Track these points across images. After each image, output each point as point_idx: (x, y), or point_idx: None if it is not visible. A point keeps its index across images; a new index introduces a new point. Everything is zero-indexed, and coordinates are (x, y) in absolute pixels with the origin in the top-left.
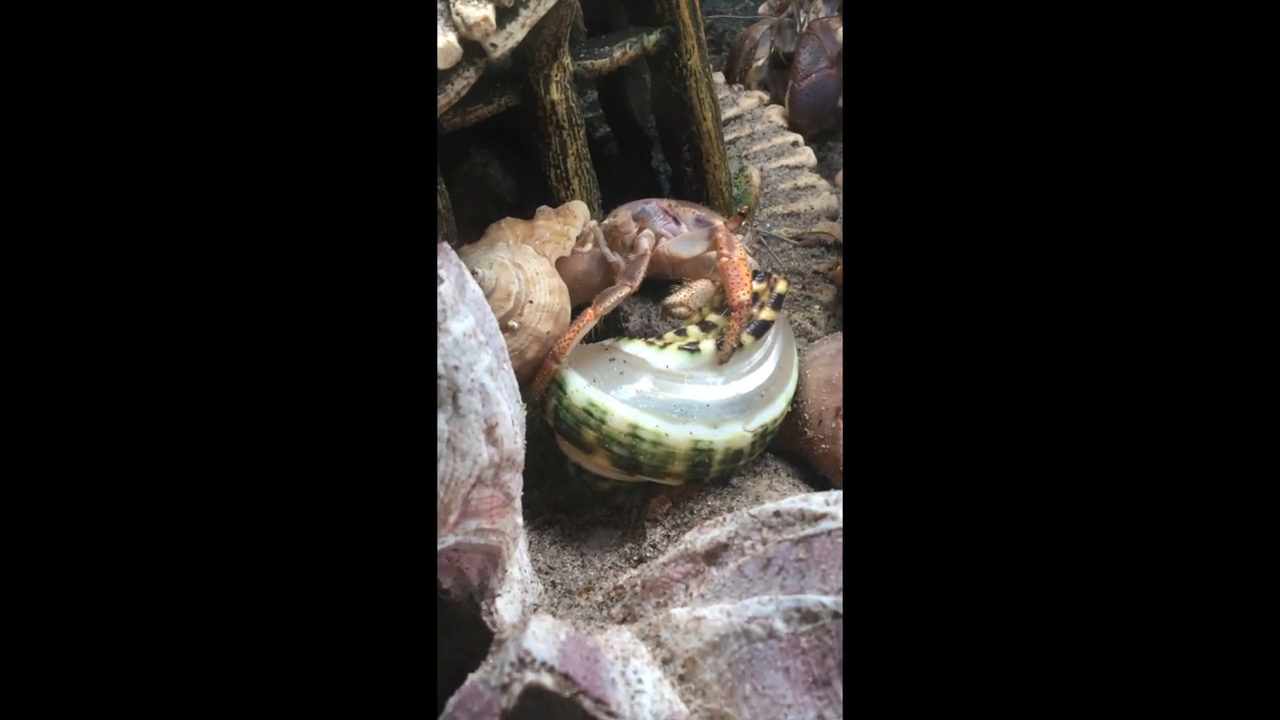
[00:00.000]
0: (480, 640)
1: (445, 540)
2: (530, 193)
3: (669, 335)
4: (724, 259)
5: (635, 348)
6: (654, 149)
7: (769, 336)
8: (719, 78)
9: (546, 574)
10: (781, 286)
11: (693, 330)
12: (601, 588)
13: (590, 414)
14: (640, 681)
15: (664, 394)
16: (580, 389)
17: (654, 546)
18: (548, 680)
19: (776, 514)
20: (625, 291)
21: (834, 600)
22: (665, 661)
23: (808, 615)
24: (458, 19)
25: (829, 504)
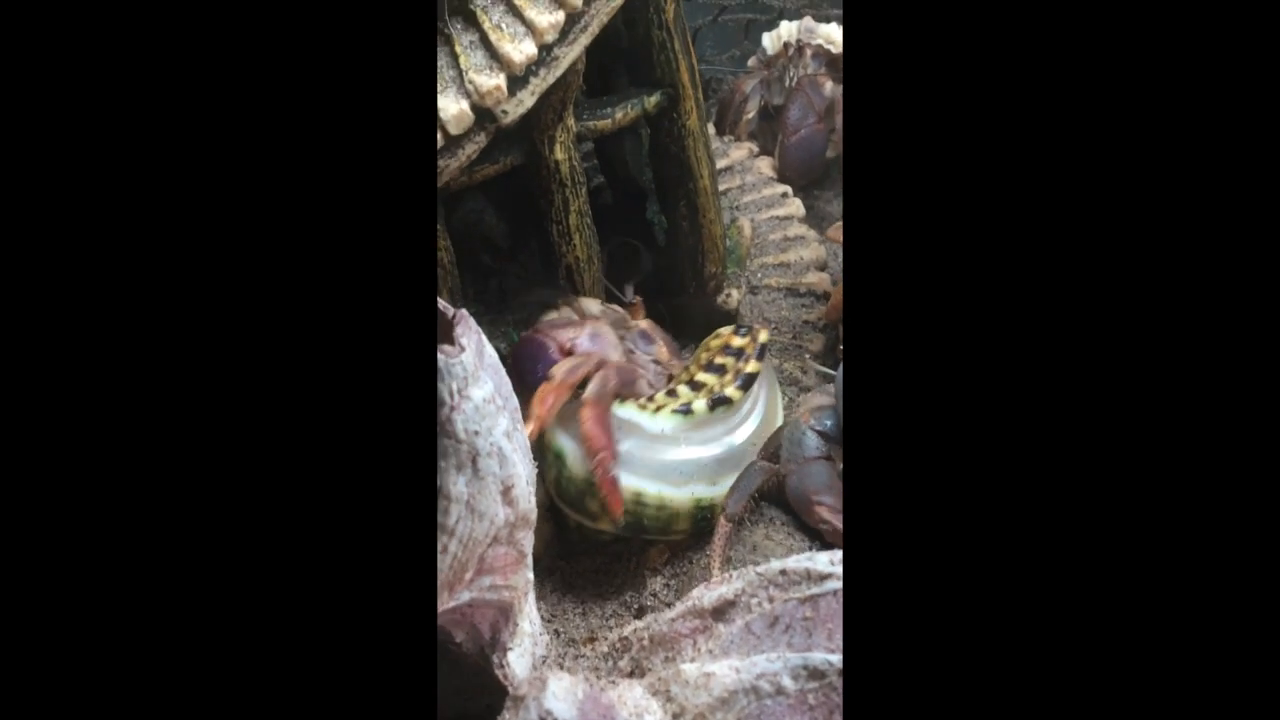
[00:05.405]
0: (480, 688)
1: (460, 596)
2: (525, 239)
3: (660, 398)
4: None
5: (628, 412)
6: (649, 201)
7: (755, 387)
8: (709, 129)
9: (549, 622)
10: (764, 336)
11: (683, 390)
12: (606, 639)
13: (592, 484)
14: None
15: (662, 457)
16: (580, 460)
17: (654, 595)
18: None
19: (783, 572)
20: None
21: (839, 658)
22: (675, 716)
23: (814, 673)
24: (470, 87)
25: (833, 564)
